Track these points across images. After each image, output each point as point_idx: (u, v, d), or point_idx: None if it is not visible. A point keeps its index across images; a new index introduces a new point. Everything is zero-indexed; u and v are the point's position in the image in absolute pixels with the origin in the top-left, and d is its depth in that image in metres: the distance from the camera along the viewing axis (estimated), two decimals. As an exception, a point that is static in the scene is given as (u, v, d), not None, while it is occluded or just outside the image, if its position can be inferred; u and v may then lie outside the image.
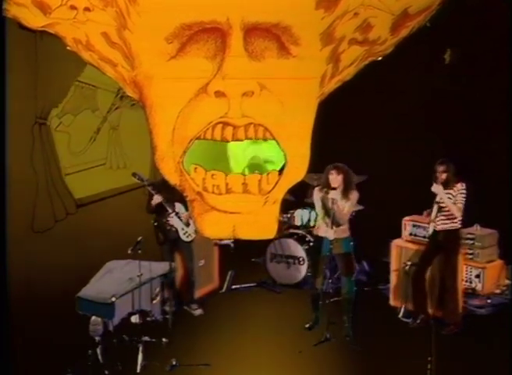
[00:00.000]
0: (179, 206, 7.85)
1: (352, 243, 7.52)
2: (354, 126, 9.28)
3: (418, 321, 7.62)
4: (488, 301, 8.13)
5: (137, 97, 7.12)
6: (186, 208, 7.73)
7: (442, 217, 7.46)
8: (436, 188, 7.37)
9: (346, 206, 7.31)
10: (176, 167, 7.10)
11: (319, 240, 7.47)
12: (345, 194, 7.33)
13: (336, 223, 7.32)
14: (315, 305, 7.62)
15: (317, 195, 7.48)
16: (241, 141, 6.95)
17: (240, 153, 7.18)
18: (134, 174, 7.80)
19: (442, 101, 9.07)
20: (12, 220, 7.18)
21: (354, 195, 7.38)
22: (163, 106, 6.95)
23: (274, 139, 7.01)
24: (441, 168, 7.38)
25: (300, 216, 9.20)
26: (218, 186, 7.05)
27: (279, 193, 7.17)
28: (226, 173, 7.06)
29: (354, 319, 7.53)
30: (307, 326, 7.62)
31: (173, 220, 7.86)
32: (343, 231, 7.43)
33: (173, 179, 7.19)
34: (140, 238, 7.14)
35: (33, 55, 7.93)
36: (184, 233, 7.97)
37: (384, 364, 6.90)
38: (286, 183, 7.14)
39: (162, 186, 7.76)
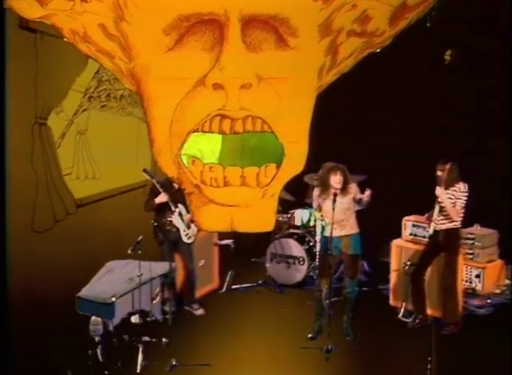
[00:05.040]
0: (181, 208, 7.85)
1: (360, 243, 7.46)
2: (353, 121, 9.26)
3: (417, 321, 7.62)
4: (488, 301, 8.13)
5: (135, 89, 7.13)
6: (188, 211, 7.75)
7: (443, 217, 7.46)
8: (439, 191, 7.37)
9: (345, 202, 7.29)
10: (173, 160, 7.13)
11: (325, 240, 7.45)
12: (344, 191, 7.31)
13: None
14: (320, 309, 7.47)
15: (316, 196, 7.43)
16: (239, 133, 6.96)
17: (237, 146, 7.18)
18: (145, 170, 7.78)
19: (441, 101, 9.07)
20: (12, 220, 7.20)
21: (353, 188, 7.36)
22: (161, 99, 6.97)
23: (272, 132, 7.01)
24: (443, 167, 7.38)
25: (300, 216, 9.19)
26: (216, 179, 7.07)
27: (277, 186, 7.18)
28: (224, 165, 7.07)
29: (354, 319, 7.53)
30: (309, 336, 7.46)
31: (176, 221, 7.86)
32: (351, 227, 7.42)
33: (171, 172, 7.22)
34: (140, 238, 7.14)
35: (33, 55, 7.92)
36: (186, 235, 7.97)
37: (384, 364, 6.90)
38: (284, 177, 7.15)
39: (169, 185, 7.77)
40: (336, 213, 7.22)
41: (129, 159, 9.03)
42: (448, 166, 7.35)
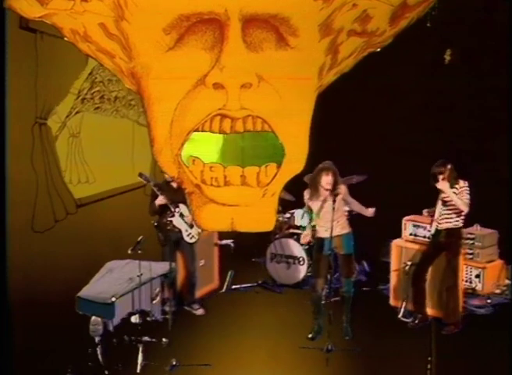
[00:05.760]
0: (183, 208, 7.84)
1: (353, 242, 7.49)
2: (353, 121, 9.27)
3: (417, 321, 7.62)
4: (488, 301, 8.13)
5: (135, 89, 7.12)
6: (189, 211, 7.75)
7: (446, 215, 7.46)
8: (442, 185, 7.35)
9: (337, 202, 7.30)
10: (174, 159, 7.12)
11: (319, 240, 7.46)
12: (333, 193, 7.34)
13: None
14: (317, 309, 7.51)
15: (307, 199, 7.46)
16: (239, 133, 6.97)
17: (238, 145, 7.18)
18: (140, 174, 7.78)
19: (441, 101, 9.07)
20: (12, 220, 7.19)
21: (343, 189, 7.37)
22: (161, 98, 6.97)
23: (272, 131, 7.03)
24: (440, 169, 7.38)
25: (300, 216, 9.19)
26: (217, 178, 7.07)
27: (278, 185, 7.18)
28: (224, 165, 7.08)
29: (354, 318, 7.53)
30: (309, 336, 7.49)
31: (177, 221, 7.86)
32: (342, 227, 7.43)
33: (171, 171, 7.22)
34: (140, 238, 7.14)
35: (33, 55, 7.91)
36: (188, 235, 7.97)
37: (384, 364, 6.90)
38: (285, 176, 7.15)
39: (166, 187, 7.76)
40: (326, 214, 7.25)
41: (124, 163, 8.95)
42: (444, 168, 7.35)
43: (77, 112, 8.63)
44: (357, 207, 7.53)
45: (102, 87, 8.86)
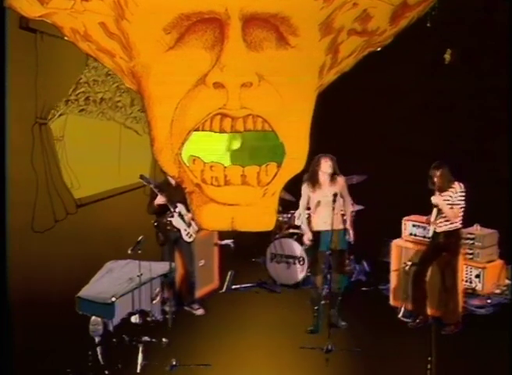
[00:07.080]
0: (181, 207, 7.84)
1: (347, 237, 7.48)
2: (353, 120, 9.27)
3: (418, 321, 7.62)
4: (488, 301, 8.13)
5: (135, 88, 7.14)
6: (188, 210, 7.75)
7: (442, 219, 7.46)
8: (435, 199, 7.37)
9: (330, 195, 7.28)
10: (174, 159, 7.15)
11: (315, 235, 7.44)
12: (331, 183, 7.33)
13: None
14: (316, 306, 7.54)
15: (309, 192, 7.44)
16: (240, 132, 6.99)
17: (238, 145, 7.19)
18: (142, 176, 7.77)
19: (442, 101, 9.07)
20: (12, 220, 7.20)
21: (340, 182, 7.38)
22: (161, 97, 6.99)
23: (273, 131, 7.04)
24: (435, 172, 7.38)
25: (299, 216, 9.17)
26: (217, 178, 7.10)
27: (278, 185, 7.20)
28: (225, 164, 7.09)
29: (354, 319, 7.55)
30: (309, 329, 7.54)
31: (176, 221, 7.85)
32: (339, 222, 7.40)
33: (171, 171, 7.24)
34: (140, 238, 7.14)
35: (33, 55, 7.92)
36: (187, 234, 7.97)
37: (384, 364, 6.89)
38: (285, 175, 7.17)
39: (166, 187, 7.77)
40: (325, 207, 7.24)
41: (110, 168, 8.87)
42: (439, 173, 7.35)
43: (61, 115, 8.44)
44: (348, 209, 7.50)
45: (87, 88, 8.69)
